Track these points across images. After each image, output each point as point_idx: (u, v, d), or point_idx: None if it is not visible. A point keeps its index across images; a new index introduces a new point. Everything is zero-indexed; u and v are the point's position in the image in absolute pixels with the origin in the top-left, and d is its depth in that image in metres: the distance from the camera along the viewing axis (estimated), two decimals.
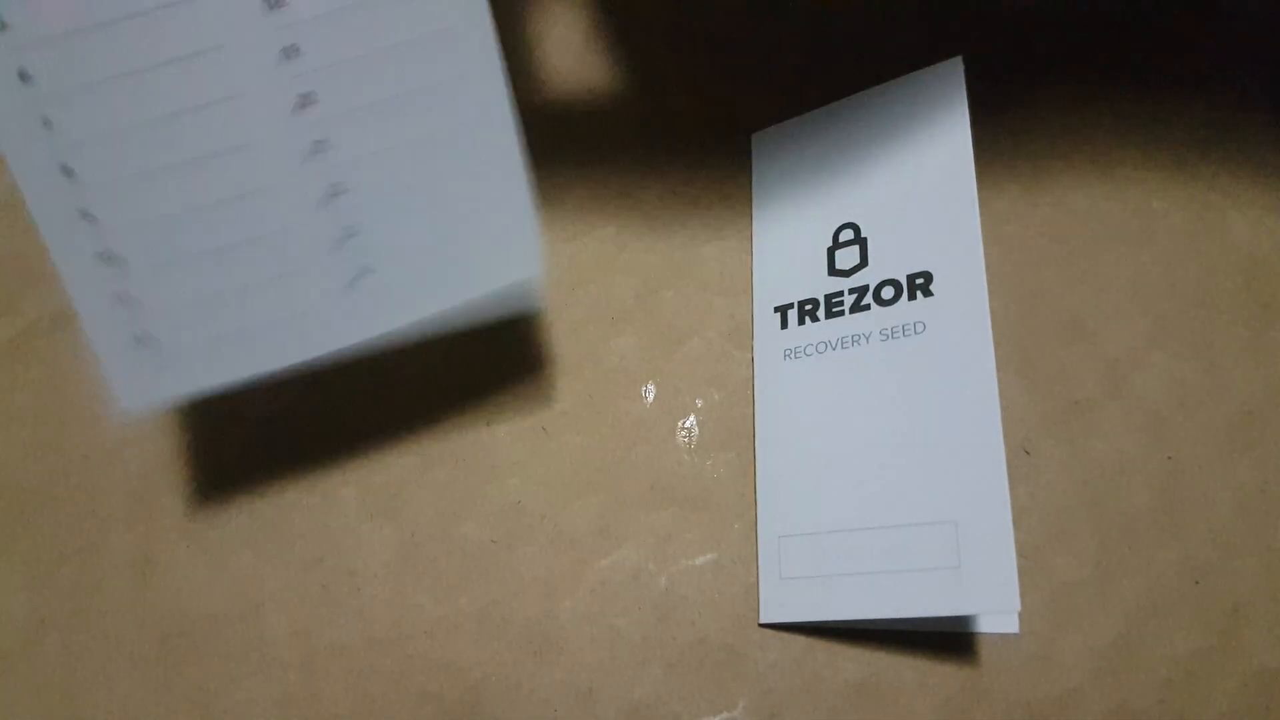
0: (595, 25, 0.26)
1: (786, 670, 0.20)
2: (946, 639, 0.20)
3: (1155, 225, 0.23)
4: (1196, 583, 0.20)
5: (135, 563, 0.21)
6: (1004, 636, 0.20)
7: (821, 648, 0.20)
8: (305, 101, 0.15)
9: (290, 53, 0.15)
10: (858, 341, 0.21)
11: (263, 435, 0.23)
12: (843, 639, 0.20)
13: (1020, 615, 0.20)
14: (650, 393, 0.23)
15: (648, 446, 0.22)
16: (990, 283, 0.19)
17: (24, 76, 0.15)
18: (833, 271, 0.22)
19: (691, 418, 0.22)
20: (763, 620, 0.20)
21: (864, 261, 0.21)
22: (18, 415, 0.23)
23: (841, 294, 0.22)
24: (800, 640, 0.20)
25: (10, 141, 0.16)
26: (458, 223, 0.17)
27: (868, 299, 0.21)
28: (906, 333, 0.20)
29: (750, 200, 0.24)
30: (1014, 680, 0.20)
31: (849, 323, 0.21)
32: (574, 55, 0.26)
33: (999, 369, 0.19)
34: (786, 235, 0.23)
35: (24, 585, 0.21)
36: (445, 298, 0.17)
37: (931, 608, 0.18)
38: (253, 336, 0.17)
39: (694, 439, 0.22)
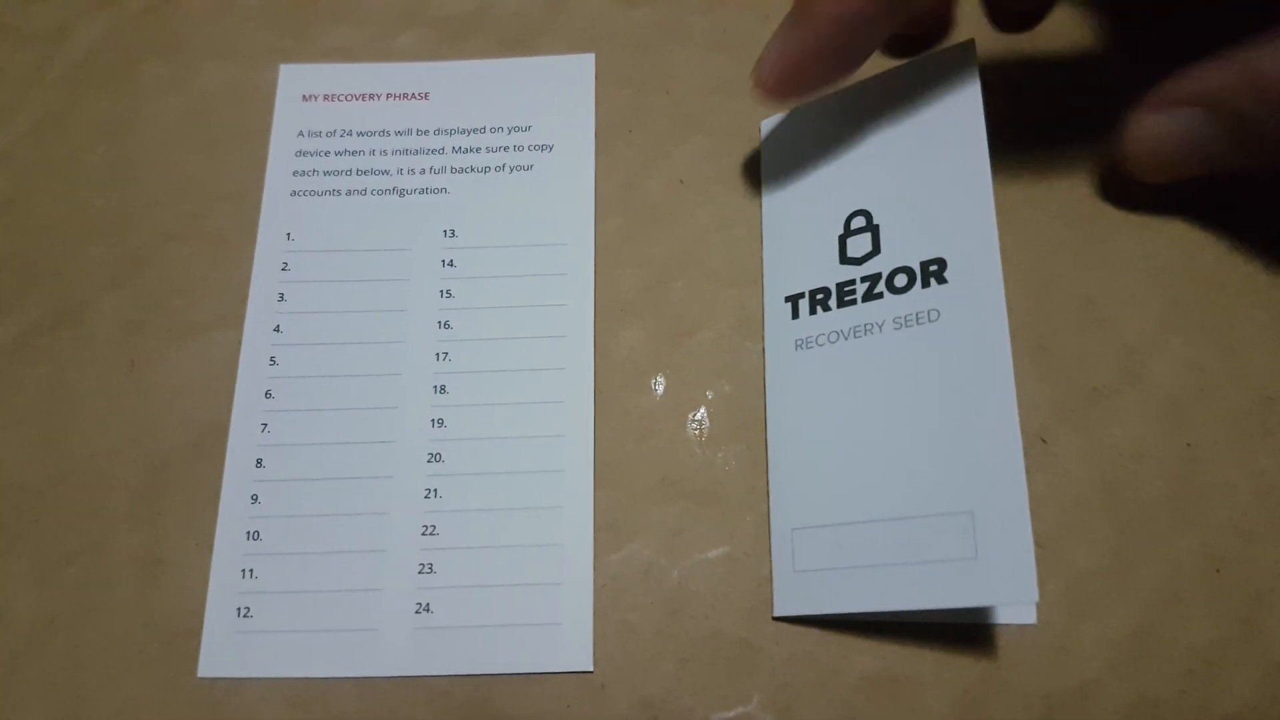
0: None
1: (801, 664, 0.20)
2: (962, 631, 0.20)
3: (1169, 208, 0.23)
4: (1216, 571, 0.20)
5: (143, 562, 0.21)
6: (1021, 628, 0.20)
7: (836, 641, 0.20)
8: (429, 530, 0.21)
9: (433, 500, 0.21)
10: (871, 330, 0.21)
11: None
12: (858, 632, 0.20)
13: (1037, 606, 0.20)
14: (660, 385, 0.22)
15: (658, 439, 0.22)
16: (1004, 269, 0.19)
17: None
18: (844, 259, 0.22)
19: (702, 410, 0.22)
20: (777, 613, 0.20)
21: (876, 249, 0.21)
22: (22, 414, 0.22)
23: (854, 282, 0.21)
24: (814, 633, 0.20)
25: None
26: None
27: (880, 287, 0.21)
28: (920, 321, 0.20)
29: (760, 187, 0.24)
30: (1031, 672, 0.20)
31: (862, 311, 0.21)
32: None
33: (1014, 357, 0.18)
34: (797, 223, 0.23)
35: (31, 585, 0.21)
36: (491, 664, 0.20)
37: (949, 599, 0.18)
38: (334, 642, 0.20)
39: (705, 431, 0.22)
